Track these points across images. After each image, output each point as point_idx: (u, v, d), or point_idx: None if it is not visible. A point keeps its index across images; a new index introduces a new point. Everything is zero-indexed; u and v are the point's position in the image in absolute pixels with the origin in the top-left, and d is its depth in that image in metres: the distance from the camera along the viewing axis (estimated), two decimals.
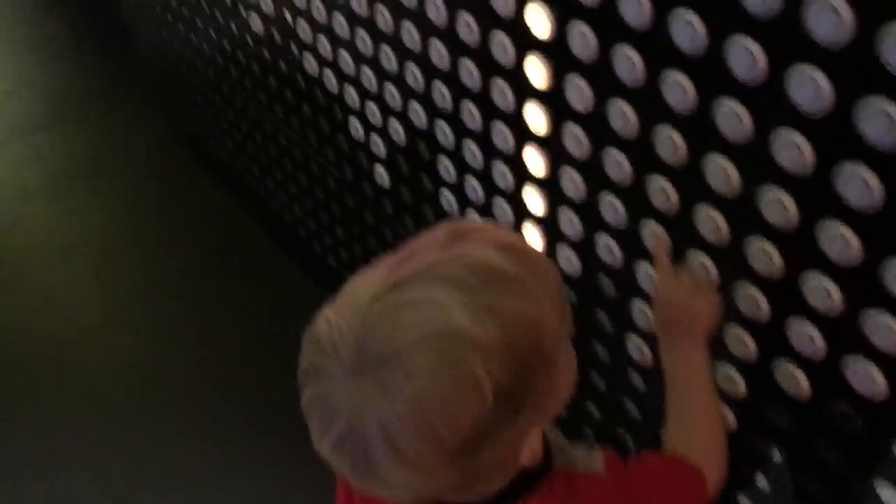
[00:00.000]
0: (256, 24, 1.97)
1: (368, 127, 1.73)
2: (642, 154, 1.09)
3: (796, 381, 1.04)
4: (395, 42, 1.46)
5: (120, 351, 2.46)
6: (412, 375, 0.65)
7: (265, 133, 2.29)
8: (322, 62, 1.77)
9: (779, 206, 0.94)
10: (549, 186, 1.30)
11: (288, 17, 1.80)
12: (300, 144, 2.11)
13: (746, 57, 0.87)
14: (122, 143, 3.25)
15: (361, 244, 2.10)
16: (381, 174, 1.79)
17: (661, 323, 1.08)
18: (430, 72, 1.42)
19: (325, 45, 1.71)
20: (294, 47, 1.85)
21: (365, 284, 0.70)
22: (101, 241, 2.84)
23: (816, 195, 0.89)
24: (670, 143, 1.03)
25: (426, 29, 1.37)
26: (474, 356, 0.66)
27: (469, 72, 1.32)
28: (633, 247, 1.18)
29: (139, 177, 3.09)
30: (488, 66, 1.28)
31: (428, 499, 0.75)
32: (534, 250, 0.77)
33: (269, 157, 2.36)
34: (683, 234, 1.09)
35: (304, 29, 1.76)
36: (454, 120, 1.43)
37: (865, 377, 0.95)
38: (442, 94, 1.42)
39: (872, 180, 0.82)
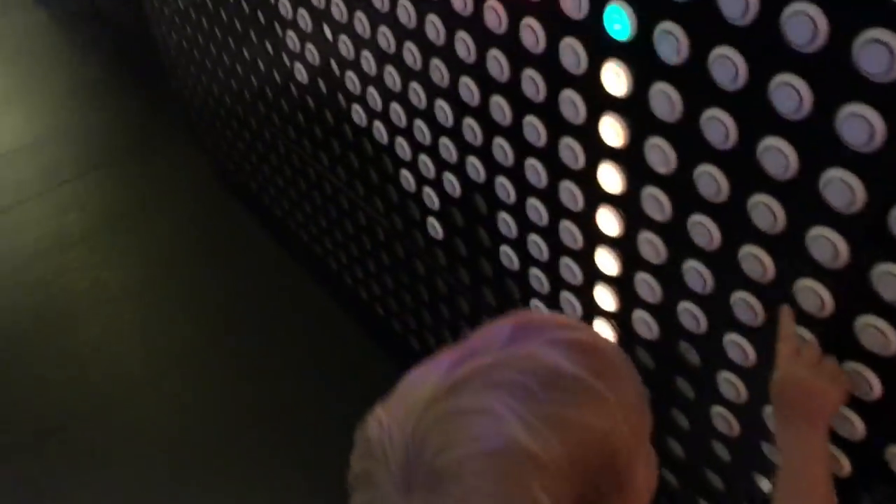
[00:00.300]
0: (301, 74, 1.93)
1: (421, 179, 1.67)
2: (733, 220, 1.01)
3: None
4: (454, 96, 1.40)
5: (166, 399, 2.42)
6: (465, 500, 0.59)
7: (309, 179, 2.24)
8: (372, 114, 1.72)
9: (891, 278, 0.86)
10: (624, 247, 1.23)
11: (335, 68, 1.75)
12: (347, 192, 2.06)
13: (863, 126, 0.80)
14: (163, 188, 3.24)
15: (412, 293, 2.04)
16: (435, 226, 1.73)
17: (778, 400, 0.99)
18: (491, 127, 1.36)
19: (374, 97, 1.66)
20: (341, 97, 1.80)
21: (421, 384, 0.64)
22: (143, 289, 2.81)
23: None
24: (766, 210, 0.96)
25: (487, 83, 1.31)
26: (532, 476, 0.59)
27: (535, 128, 1.25)
28: (719, 313, 1.11)
29: (181, 222, 3.07)
30: (556, 124, 1.21)
31: None
32: (612, 349, 0.69)
33: (313, 204, 2.31)
34: (781, 304, 1.01)
35: (352, 80, 1.71)
36: (517, 176, 1.36)
37: None
38: (503, 148, 1.35)
39: None
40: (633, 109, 1.07)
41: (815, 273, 0.95)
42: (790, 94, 0.85)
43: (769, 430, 1.13)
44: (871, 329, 0.92)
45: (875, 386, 0.95)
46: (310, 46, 1.81)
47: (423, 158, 1.61)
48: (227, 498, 2.15)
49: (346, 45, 1.65)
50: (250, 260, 2.84)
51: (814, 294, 0.96)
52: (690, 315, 1.16)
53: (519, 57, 1.21)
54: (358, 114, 1.76)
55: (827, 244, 0.91)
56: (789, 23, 0.82)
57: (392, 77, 1.55)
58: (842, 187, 0.86)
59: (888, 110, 0.79)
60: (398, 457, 0.61)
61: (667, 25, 0.95)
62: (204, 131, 2.99)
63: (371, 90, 1.66)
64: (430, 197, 1.67)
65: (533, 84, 1.20)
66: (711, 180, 1.00)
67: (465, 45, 1.30)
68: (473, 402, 0.61)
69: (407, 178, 1.72)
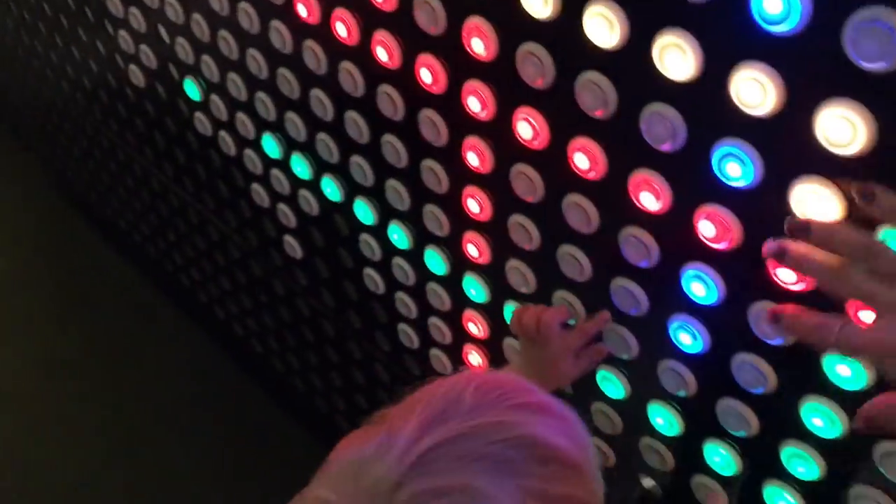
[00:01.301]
0: (137, 77, 1.75)
1: (274, 195, 1.54)
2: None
3: None
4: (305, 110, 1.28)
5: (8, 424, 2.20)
6: None
7: (153, 190, 2.06)
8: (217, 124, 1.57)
9: None
10: (491, 271, 1.15)
11: (174, 72, 1.59)
12: (195, 205, 1.89)
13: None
14: None
15: (271, 314, 1.90)
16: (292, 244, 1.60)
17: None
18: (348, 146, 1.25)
19: (219, 106, 1.51)
20: (182, 104, 1.63)
21: (377, 460, 0.54)
22: None
23: None
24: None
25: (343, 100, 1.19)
26: None
27: (395, 149, 1.15)
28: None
29: (17, 234, 2.79)
30: (417, 146, 1.12)
31: None
32: (570, 414, 0.62)
33: (160, 216, 2.13)
34: None
35: (192, 86, 1.55)
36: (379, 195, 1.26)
37: None
38: (361, 167, 1.25)
39: None
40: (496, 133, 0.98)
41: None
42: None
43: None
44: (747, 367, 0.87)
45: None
46: (144, 48, 1.64)
47: (276, 173, 1.48)
48: None
49: (184, 49, 1.49)
50: (93, 275, 2.62)
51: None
52: None
53: (373, 73, 1.10)
54: (202, 123, 1.61)
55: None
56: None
57: (236, 85, 1.41)
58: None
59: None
60: None
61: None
62: (36, 139, 2.71)
63: (214, 98, 1.51)
64: (286, 214, 1.55)
65: (390, 101, 1.10)
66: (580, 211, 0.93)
67: (313, 56, 1.18)
68: (448, 481, 0.53)
69: (259, 193, 1.58)
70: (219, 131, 1.57)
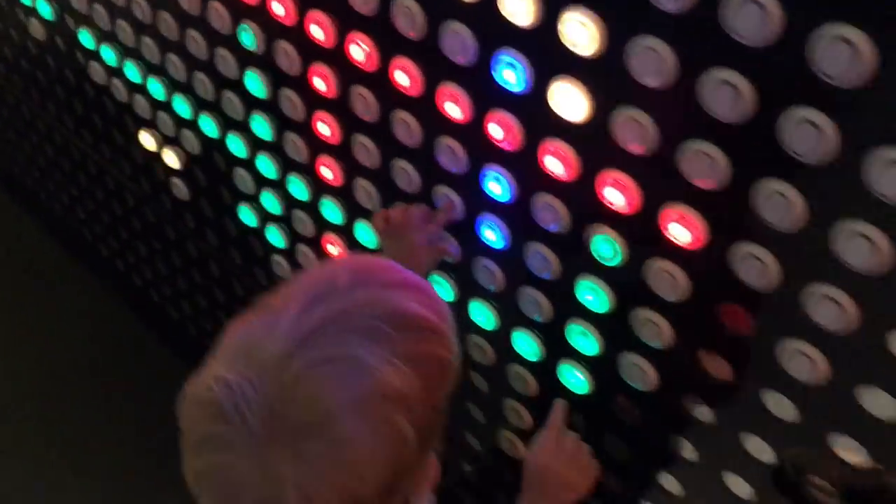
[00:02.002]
0: (38, 31, 1.84)
1: (163, 139, 1.65)
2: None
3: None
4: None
5: None
6: (335, 444, 0.60)
7: (56, 146, 2.14)
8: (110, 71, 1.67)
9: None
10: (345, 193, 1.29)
11: (70, 23, 1.69)
12: (93, 156, 1.99)
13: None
14: None
15: (165, 261, 2.01)
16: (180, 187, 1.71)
17: (532, 483, 1.05)
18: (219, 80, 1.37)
19: (111, 54, 1.62)
20: (79, 54, 1.74)
21: (266, 338, 0.61)
22: None
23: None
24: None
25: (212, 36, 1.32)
26: (400, 411, 0.61)
27: (261, 82, 1.29)
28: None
29: None
30: (276, 75, 1.25)
31: None
32: (430, 287, 0.71)
33: (62, 171, 2.21)
34: None
35: (87, 36, 1.65)
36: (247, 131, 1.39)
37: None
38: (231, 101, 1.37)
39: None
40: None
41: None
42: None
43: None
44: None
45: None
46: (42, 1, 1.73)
47: (162, 116, 1.60)
48: None
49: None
50: (8, 244, 2.66)
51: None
52: None
53: (237, 10, 1.23)
54: (97, 71, 1.71)
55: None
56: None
57: (126, 32, 1.52)
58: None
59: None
60: (258, 416, 0.59)
61: None
62: None
63: (106, 46, 1.62)
64: (172, 157, 1.66)
65: (255, 38, 1.23)
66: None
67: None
68: (332, 352, 0.61)
69: (148, 138, 1.69)
70: (111, 78, 1.68)
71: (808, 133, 0.71)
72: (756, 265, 0.82)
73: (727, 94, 0.74)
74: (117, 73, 1.64)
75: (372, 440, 0.60)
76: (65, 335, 2.37)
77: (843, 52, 0.66)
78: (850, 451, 0.87)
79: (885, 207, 0.70)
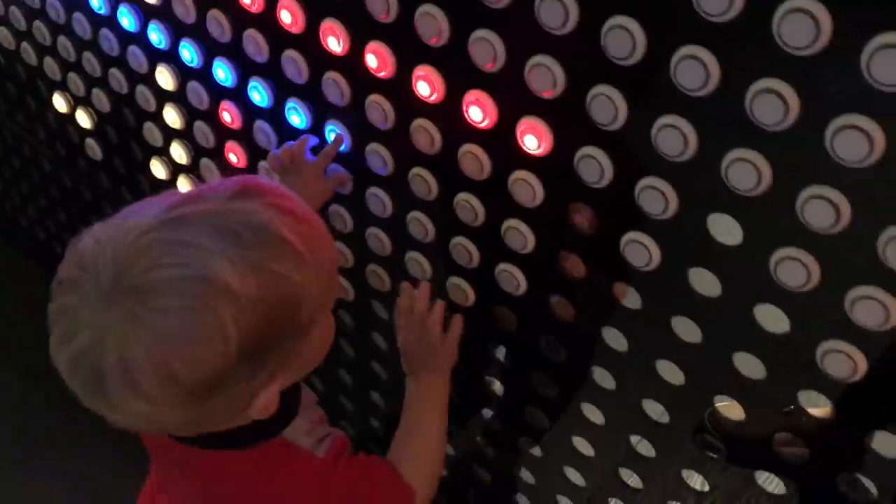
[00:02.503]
0: None
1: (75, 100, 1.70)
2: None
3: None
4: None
5: None
6: (160, 312, 0.66)
7: None
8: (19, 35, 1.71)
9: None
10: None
11: None
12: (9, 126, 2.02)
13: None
14: None
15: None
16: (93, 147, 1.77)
17: (405, 357, 1.16)
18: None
19: (18, 17, 1.66)
20: None
21: (142, 213, 0.70)
22: None
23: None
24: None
25: None
26: (226, 306, 0.67)
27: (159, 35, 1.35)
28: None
29: None
30: (177, 26, 1.32)
31: (149, 427, 0.79)
32: (317, 222, 0.78)
33: None
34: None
35: None
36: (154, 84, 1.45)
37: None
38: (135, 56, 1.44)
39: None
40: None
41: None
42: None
43: None
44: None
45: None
46: None
47: (73, 76, 1.65)
48: None
49: None
50: None
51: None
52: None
53: None
54: (5, 36, 1.75)
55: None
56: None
57: None
58: None
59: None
60: (108, 270, 0.66)
61: None
62: None
63: (14, 10, 1.66)
64: (84, 117, 1.71)
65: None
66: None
67: None
68: (189, 237, 0.68)
69: (60, 101, 1.74)
70: (21, 43, 1.72)
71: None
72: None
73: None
74: (26, 36, 1.69)
75: (189, 319, 0.67)
76: None
77: None
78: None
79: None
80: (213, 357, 0.68)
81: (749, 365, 0.94)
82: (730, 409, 1.02)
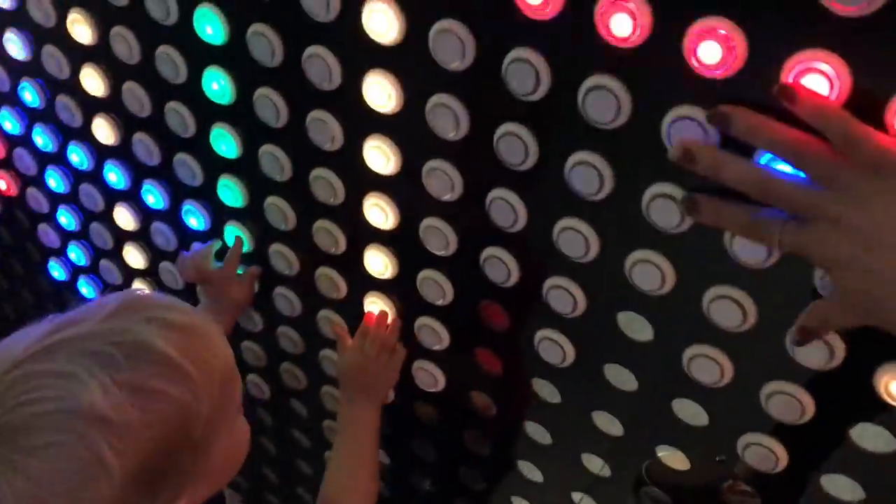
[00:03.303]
0: None
1: None
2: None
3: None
4: None
5: None
6: (34, 455, 0.61)
7: None
8: None
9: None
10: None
11: None
12: None
13: None
14: None
15: None
16: None
17: (344, 382, 1.12)
18: None
19: None
20: None
21: (15, 345, 0.66)
22: None
23: None
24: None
25: None
26: (102, 436, 0.63)
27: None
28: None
29: None
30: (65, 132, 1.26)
31: None
32: (206, 331, 0.74)
33: None
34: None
35: None
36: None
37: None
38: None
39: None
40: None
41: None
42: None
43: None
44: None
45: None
46: None
47: None
48: None
49: None
50: None
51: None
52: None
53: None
54: None
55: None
56: None
57: None
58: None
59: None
60: None
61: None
62: None
63: None
64: None
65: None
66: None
67: None
68: (59, 366, 0.64)
69: None
70: None
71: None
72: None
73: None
74: None
75: (65, 458, 0.62)
76: None
77: None
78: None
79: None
80: (100, 494, 0.63)
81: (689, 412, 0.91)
82: (673, 458, 0.98)
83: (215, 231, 1.18)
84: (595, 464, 1.04)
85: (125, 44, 1.04)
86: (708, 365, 0.81)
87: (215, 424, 0.72)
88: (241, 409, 0.79)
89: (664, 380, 0.87)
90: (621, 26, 0.66)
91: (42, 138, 1.29)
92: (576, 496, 1.12)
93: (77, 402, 0.63)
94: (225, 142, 1.05)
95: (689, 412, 0.88)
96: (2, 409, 0.62)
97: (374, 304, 1.08)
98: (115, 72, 1.10)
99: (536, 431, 1.07)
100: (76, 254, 1.45)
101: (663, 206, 0.72)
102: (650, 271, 0.78)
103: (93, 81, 1.13)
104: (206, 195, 1.15)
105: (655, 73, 0.67)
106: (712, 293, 0.76)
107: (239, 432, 0.78)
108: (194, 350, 0.70)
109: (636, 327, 0.85)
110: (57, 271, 1.54)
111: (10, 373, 0.64)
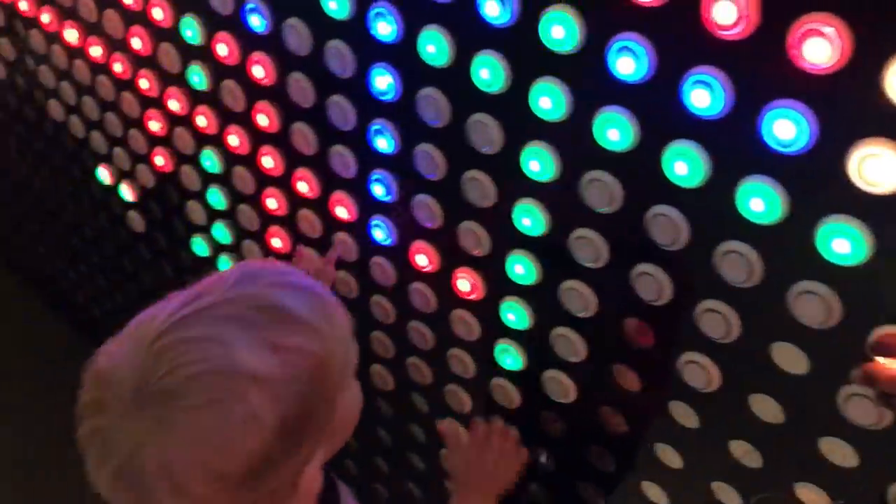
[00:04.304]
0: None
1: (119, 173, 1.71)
2: None
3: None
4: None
5: None
6: (190, 412, 0.66)
7: (16, 183, 2.19)
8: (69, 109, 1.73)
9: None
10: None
11: (30, 62, 1.75)
12: (53, 193, 2.04)
13: None
14: None
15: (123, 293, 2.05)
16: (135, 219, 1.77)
17: (461, 479, 1.12)
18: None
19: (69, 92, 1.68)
20: (39, 94, 1.80)
21: (150, 321, 0.70)
22: None
23: None
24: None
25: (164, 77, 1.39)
26: (252, 391, 0.66)
27: (206, 117, 1.36)
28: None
29: None
30: (222, 112, 1.32)
31: None
32: (323, 290, 0.77)
33: (23, 206, 2.26)
34: None
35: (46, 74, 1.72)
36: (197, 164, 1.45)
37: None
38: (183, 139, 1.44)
39: None
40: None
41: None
42: None
43: None
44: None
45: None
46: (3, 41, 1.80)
47: (117, 151, 1.66)
48: None
49: (38, 40, 1.66)
50: None
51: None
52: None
53: (185, 51, 1.30)
54: (55, 108, 1.77)
55: None
56: None
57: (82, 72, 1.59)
58: None
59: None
60: (129, 382, 0.66)
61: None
62: None
63: (64, 84, 1.68)
64: (127, 190, 1.72)
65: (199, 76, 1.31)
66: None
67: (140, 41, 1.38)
68: (202, 332, 0.68)
69: (104, 173, 1.75)
70: (69, 116, 1.74)
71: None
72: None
73: None
74: (75, 110, 1.71)
75: (220, 413, 0.66)
76: (24, 372, 2.39)
77: None
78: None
79: None
80: (251, 444, 0.67)
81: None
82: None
83: (361, 222, 1.21)
84: (730, 496, 1.02)
85: (296, 35, 1.09)
86: (865, 406, 0.78)
87: (342, 380, 0.76)
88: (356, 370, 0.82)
89: (814, 416, 0.85)
90: None
91: (202, 120, 1.36)
92: None
93: (225, 361, 0.67)
94: (384, 137, 1.08)
95: (839, 452, 0.85)
96: (155, 376, 0.66)
97: (512, 309, 1.08)
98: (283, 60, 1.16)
99: (666, 454, 1.05)
100: (221, 232, 1.52)
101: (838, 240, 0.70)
102: (815, 303, 0.76)
103: (260, 70, 1.18)
104: (357, 187, 1.18)
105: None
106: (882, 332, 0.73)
107: (357, 390, 0.82)
108: (320, 308, 0.74)
109: (791, 359, 0.83)
110: (200, 247, 1.61)
111: (154, 343, 0.67)
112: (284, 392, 0.68)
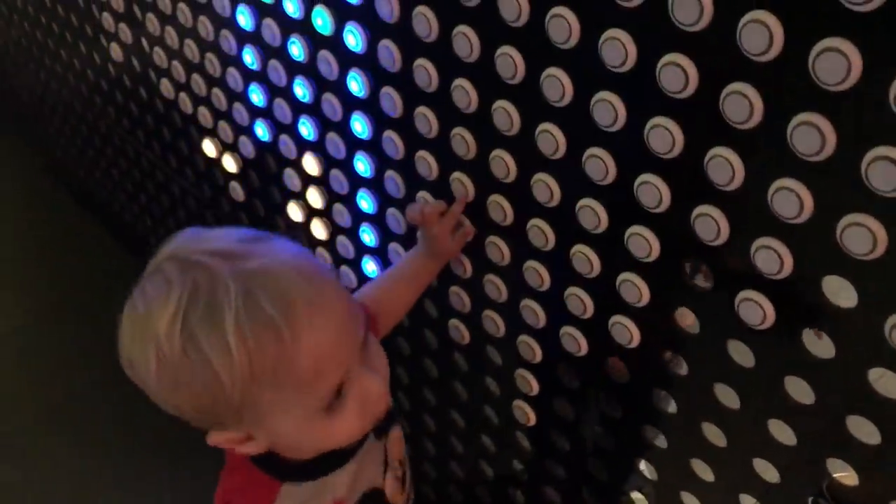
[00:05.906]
0: (116, 52, 2.07)
1: (222, 145, 1.85)
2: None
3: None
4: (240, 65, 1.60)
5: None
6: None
7: (129, 158, 2.37)
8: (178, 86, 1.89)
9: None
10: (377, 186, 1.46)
11: (145, 45, 1.91)
12: (161, 166, 2.21)
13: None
14: None
15: None
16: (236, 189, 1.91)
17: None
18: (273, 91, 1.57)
19: (179, 70, 1.83)
20: (151, 73, 1.96)
21: (215, 238, 0.93)
22: None
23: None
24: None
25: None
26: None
27: (303, 87, 1.47)
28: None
29: (7, 214, 3.09)
30: (318, 82, 1.43)
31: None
32: (329, 275, 0.96)
33: (133, 180, 2.44)
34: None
35: (159, 55, 1.88)
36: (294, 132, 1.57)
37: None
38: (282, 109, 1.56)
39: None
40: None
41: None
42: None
43: None
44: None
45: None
46: (122, 26, 1.97)
47: (222, 125, 1.80)
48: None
49: (152, 23, 1.82)
50: (82, 252, 2.90)
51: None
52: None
53: (284, 24, 1.43)
54: (166, 87, 1.93)
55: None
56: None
57: (191, 50, 1.74)
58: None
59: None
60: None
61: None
62: (27, 119, 3.04)
63: (175, 63, 1.83)
64: (230, 161, 1.86)
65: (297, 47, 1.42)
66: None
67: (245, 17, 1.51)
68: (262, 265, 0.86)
69: (210, 146, 1.90)
70: (179, 93, 1.90)
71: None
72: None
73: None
74: (184, 87, 1.86)
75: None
76: None
77: None
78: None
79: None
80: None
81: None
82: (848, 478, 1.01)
83: (442, 180, 1.30)
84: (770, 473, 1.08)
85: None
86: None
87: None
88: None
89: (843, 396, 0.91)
90: None
91: (301, 89, 1.48)
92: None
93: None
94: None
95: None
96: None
97: (579, 257, 1.16)
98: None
99: (711, 432, 1.12)
100: (314, 196, 1.64)
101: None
102: (844, 287, 0.82)
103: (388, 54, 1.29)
104: (439, 146, 1.27)
105: None
106: None
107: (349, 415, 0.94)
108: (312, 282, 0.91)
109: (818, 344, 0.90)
110: (294, 212, 1.74)
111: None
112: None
